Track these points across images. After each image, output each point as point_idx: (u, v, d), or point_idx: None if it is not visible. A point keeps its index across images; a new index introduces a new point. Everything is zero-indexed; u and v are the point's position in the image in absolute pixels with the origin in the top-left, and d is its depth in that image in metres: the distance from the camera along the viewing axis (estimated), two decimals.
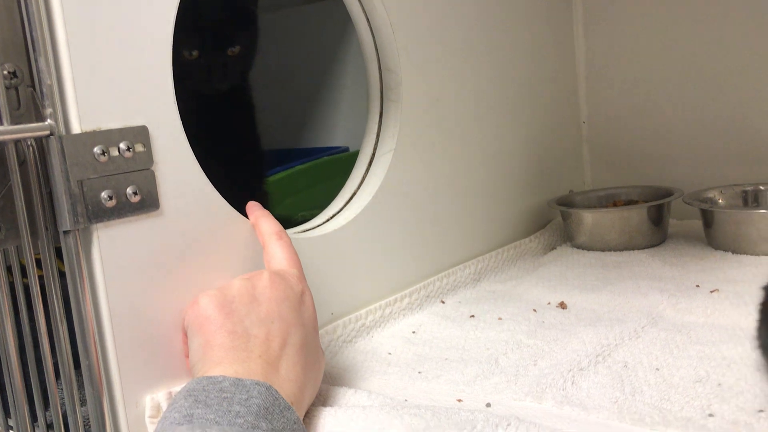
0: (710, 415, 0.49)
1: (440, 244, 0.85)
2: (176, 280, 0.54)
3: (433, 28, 0.84)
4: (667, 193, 0.97)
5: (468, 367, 0.62)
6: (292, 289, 0.55)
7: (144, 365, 0.52)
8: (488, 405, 0.55)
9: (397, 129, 0.79)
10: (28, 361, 0.52)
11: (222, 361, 0.48)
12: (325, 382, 0.59)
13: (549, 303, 0.77)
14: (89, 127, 0.49)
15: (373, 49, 0.79)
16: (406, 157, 0.80)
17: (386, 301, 0.76)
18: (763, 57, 0.98)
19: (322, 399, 0.56)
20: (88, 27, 0.49)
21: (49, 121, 0.48)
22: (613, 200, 1.05)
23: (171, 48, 0.54)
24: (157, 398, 0.52)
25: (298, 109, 1.29)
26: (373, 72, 0.80)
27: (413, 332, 0.73)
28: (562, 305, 0.76)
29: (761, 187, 0.95)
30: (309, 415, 0.51)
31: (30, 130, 0.47)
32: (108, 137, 0.50)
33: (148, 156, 0.52)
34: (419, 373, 0.62)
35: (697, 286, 0.76)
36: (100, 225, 0.49)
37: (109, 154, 0.49)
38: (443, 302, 0.82)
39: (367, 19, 0.78)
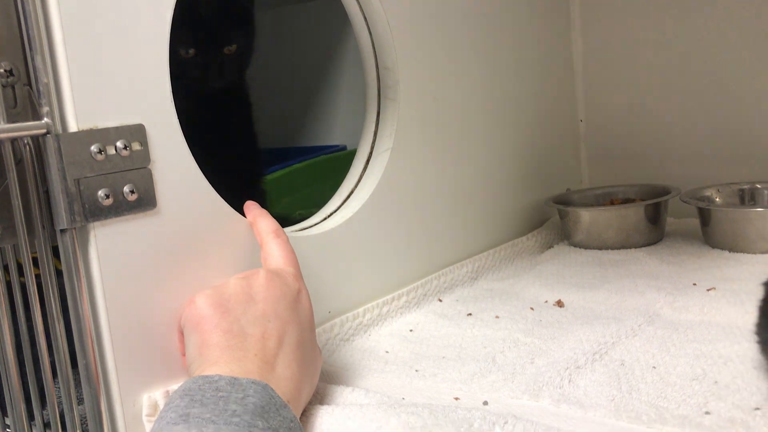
0: (707, 412, 0.49)
1: (438, 243, 0.85)
2: (173, 278, 0.54)
3: (431, 26, 0.84)
4: (665, 192, 0.97)
5: (465, 365, 0.62)
6: (289, 288, 0.55)
7: (141, 363, 0.52)
8: (485, 403, 0.55)
9: (395, 127, 0.79)
10: (25, 359, 0.52)
11: (218, 360, 0.48)
12: (323, 381, 0.59)
13: (546, 301, 0.77)
14: (86, 126, 0.49)
15: (371, 47, 0.79)
16: (404, 155, 0.80)
17: (384, 300, 0.76)
18: (761, 56, 0.99)
19: (319, 397, 0.56)
20: (84, 25, 0.49)
21: (45, 120, 0.48)
22: (611, 198, 1.05)
23: (168, 46, 0.54)
24: (154, 397, 0.52)
25: (295, 108, 1.29)
26: (371, 70, 0.80)
27: (411, 330, 0.73)
28: (560, 303, 0.76)
29: (758, 186, 0.95)
30: (306, 414, 0.51)
31: (27, 128, 0.47)
32: (105, 136, 0.49)
33: (145, 154, 0.52)
34: (416, 371, 0.62)
35: (694, 284, 0.76)
36: (97, 223, 0.49)
37: (105, 152, 0.49)
38: (440, 300, 0.82)
39: (365, 17, 0.78)
